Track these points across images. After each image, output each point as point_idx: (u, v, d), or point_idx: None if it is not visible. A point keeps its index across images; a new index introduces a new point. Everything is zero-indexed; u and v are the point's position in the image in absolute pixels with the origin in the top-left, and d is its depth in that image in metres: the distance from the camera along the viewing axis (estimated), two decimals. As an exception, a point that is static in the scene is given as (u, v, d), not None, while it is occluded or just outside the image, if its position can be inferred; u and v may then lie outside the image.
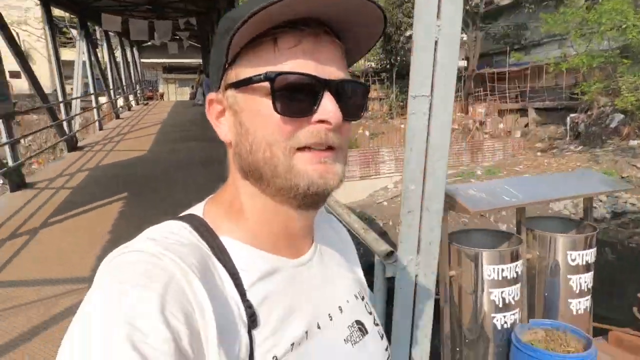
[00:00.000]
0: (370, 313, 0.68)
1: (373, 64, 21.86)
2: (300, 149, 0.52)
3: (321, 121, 0.51)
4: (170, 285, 0.45)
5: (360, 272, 0.75)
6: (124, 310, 0.42)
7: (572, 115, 18.43)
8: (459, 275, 2.72)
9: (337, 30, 0.54)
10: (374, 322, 0.68)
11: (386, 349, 0.68)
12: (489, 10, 21.28)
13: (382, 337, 0.67)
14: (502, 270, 2.61)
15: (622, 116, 15.72)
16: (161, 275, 0.45)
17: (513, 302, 2.67)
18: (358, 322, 0.64)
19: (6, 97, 6.27)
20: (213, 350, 0.44)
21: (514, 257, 2.67)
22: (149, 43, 15.94)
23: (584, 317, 2.88)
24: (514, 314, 2.69)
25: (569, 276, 2.82)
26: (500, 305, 2.65)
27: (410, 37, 21.06)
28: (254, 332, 0.50)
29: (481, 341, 2.70)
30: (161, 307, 0.43)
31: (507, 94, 21.47)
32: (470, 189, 2.65)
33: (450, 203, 2.57)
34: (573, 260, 2.81)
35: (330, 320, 0.60)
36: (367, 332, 0.64)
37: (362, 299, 0.69)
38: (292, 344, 0.53)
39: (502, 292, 2.64)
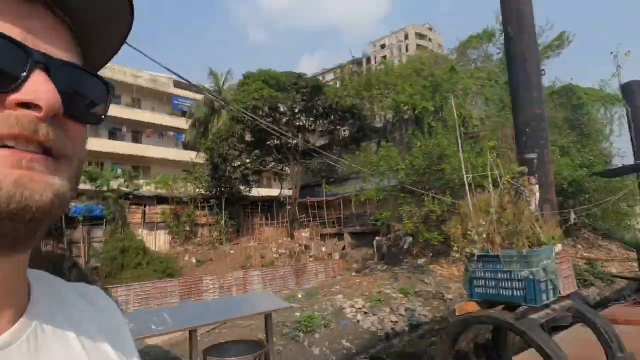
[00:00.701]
0: None
1: (202, 191, 22.34)
2: None
3: (26, 105, 0.35)
4: None
5: None
6: None
7: (377, 238, 21.27)
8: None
9: (66, 7, 0.41)
10: None
11: None
12: (307, 150, 24.60)
13: None
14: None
15: (411, 239, 18.77)
16: None
17: None
18: None
19: None
20: None
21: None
22: None
23: None
24: None
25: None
26: None
27: (237, 167, 22.12)
28: None
29: None
30: None
31: (326, 220, 23.92)
32: (129, 317, 2.68)
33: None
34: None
35: None
36: None
37: None
38: None
39: None
